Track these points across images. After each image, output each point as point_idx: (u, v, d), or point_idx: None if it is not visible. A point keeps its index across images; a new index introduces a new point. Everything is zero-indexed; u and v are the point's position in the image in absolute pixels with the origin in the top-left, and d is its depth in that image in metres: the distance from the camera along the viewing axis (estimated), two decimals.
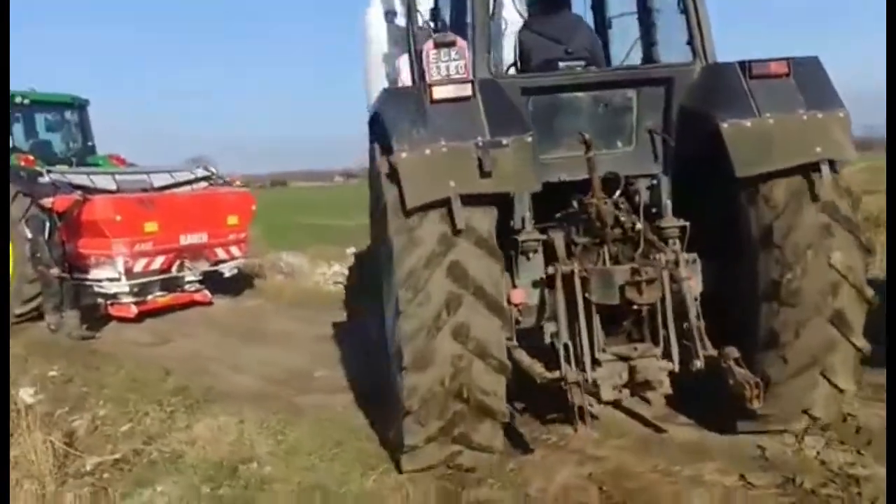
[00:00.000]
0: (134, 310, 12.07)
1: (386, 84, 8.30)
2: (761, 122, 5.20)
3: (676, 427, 6.08)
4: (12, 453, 6.32)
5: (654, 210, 5.80)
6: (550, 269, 5.39)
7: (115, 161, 14.30)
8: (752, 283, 5.38)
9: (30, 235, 10.82)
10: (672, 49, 6.30)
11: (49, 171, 11.74)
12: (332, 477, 5.39)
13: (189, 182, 13.60)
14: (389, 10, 8.67)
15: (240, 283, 14.60)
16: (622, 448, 5.78)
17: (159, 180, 13.17)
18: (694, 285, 5.40)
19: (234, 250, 13.63)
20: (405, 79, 7.01)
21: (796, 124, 5.18)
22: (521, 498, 5.02)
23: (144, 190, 12.68)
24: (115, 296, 12.07)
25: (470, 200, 4.95)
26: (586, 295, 5.25)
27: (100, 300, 12.20)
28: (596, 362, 5.17)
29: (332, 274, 16.77)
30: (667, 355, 5.20)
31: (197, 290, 13.29)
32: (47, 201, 10.93)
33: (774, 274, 5.25)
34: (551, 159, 5.75)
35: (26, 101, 13.63)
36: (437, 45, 5.54)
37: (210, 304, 13.41)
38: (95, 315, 12.09)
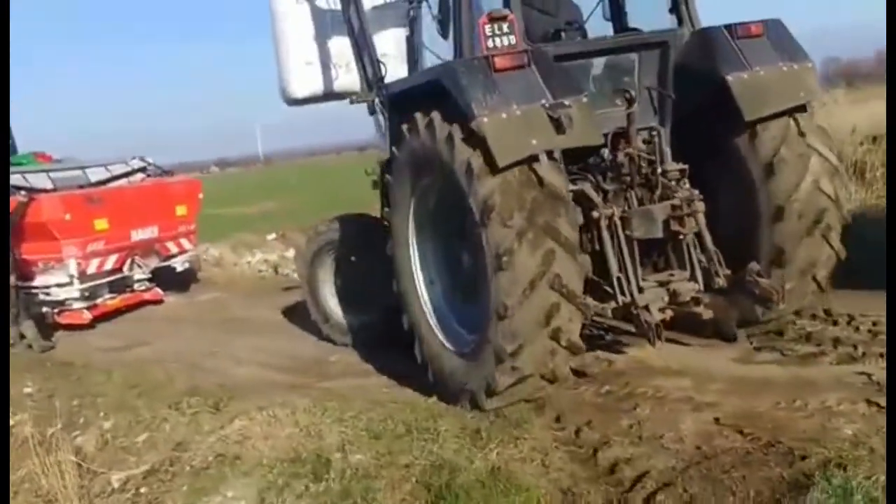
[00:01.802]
0: (87, 315, 11.35)
1: (304, 63, 8.92)
2: (754, 74, 6.15)
3: (740, 364, 6.47)
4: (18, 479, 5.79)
5: (652, 157, 6.45)
6: (595, 214, 6.02)
7: (42, 159, 13.26)
8: (755, 207, 6.32)
9: None
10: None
11: None
12: (444, 456, 5.05)
13: (126, 175, 12.78)
14: None
15: (183, 278, 13.87)
16: (724, 392, 5.81)
17: (95, 175, 12.35)
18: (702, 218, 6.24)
19: (185, 243, 12.93)
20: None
21: (780, 74, 6.18)
22: (661, 451, 4.90)
23: (81, 186, 11.87)
24: (63, 302, 11.31)
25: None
26: (627, 232, 6.04)
27: (45, 309, 11.35)
28: (640, 290, 6.00)
29: (256, 261, 16.32)
30: (693, 278, 6.15)
31: (147, 289, 12.57)
32: None
33: (776, 199, 6.22)
34: None
35: None
36: (492, 20, 5.99)
37: (161, 301, 12.73)
38: (43, 325, 11.22)
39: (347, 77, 9.19)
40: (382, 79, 7.98)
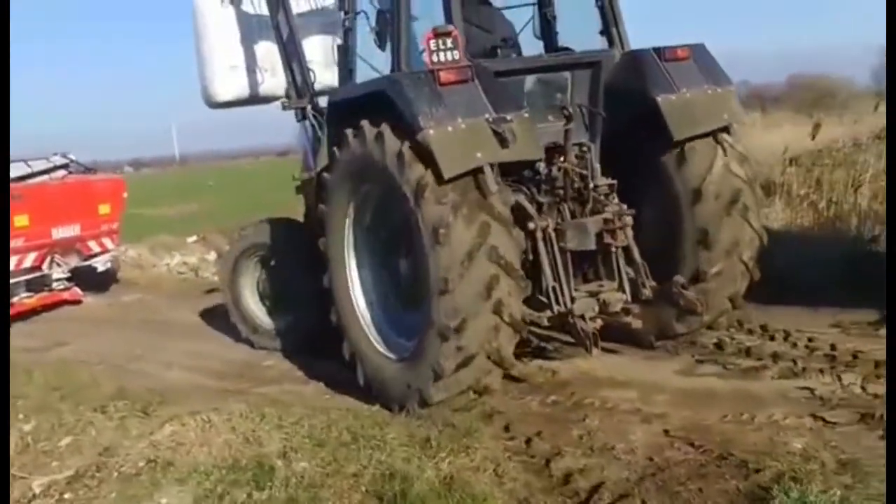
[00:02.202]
0: None
1: (228, 67, 9.03)
2: (682, 96, 6.44)
3: (684, 376, 6.60)
4: None
5: (584, 172, 6.62)
6: (531, 225, 6.14)
7: None
8: (680, 225, 6.62)
9: None
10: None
11: None
12: (394, 465, 4.94)
13: (47, 171, 12.37)
14: None
15: (104, 278, 13.42)
16: (672, 403, 5.89)
17: (15, 170, 11.86)
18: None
19: (107, 242, 12.53)
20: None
21: (705, 97, 6.49)
22: (613, 462, 4.90)
23: None
24: None
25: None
26: (561, 244, 6.20)
27: None
28: (573, 300, 6.16)
29: (176, 264, 15.94)
30: (621, 289, 6.34)
31: (66, 289, 12.15)
32: None
33: (701, 221, 6.52)
34: None
35: None
36: (437, 35, 6.11)
37: (80, 302, 12.30)
38: None
39: (272, 82, 9.27)
40: (313, 86, 8.24)
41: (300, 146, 8.85)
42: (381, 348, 6.64)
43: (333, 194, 6.81)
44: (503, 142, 5.65)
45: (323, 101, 8.15)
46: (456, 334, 5.61)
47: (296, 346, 8.44)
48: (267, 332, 8.76)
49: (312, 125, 8.25)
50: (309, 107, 8.26)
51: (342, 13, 7.58)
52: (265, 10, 9.00)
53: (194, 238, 17.53)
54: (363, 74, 7.34)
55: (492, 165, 5.72)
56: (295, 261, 8.34)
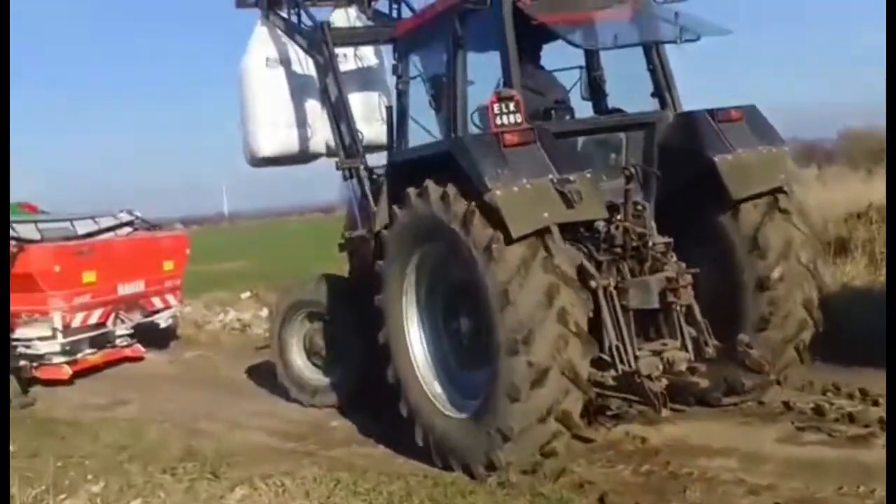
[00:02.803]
0: (67, 370, 10.95)
1: (270, 124, 9.48)
2: (737, 156, 6.54)
3: (788, 444, 6.29)
4: None
5: (642, 230, 6.61)
6: (592, 284, 6.11)
7: (27, 209, 12.89)
8: (737, 279, 6.66)
9: None
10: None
11: None
12: None
13: (113, 228, 12.50)
14: (270, 57, 9.65)
15: (165, 335, 13.41)
16: (779, 474, 5.58)
17: (83, 227, 12.08)
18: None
19: (170, 298, 12.57)
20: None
21: (760, 157, 6.60)
22: None
23: (68, 238, 11.53)
24: (43, 356, 10.85)
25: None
26: (623, 302, 6.15)
27: (24, 362, 10.84)
28: (636, 359, 6.04)
29: (230, 320, 15.89)
30: (684, 347, 6.24)
31: (128, 345, 12.18)
32: None
33: (760, 271, 6.55)
34: None
35: None
36: (500, 99, 6.25)
37: (142, 358, 12.29)
38: (20, 379, 10.69)
39: (312, 140, 9.71)
40: (362, 145, 8.60)
41: (346, 204, 9.01)
42: (440, 406, 6.63)
43: (392, 252, 6.89)
44: (568, 202, 5.74)
45: (371, 160, 8.53)
46: (525, 396, 5.60)
47: (342, 402, 8.50)
48: (314, 389, 8.80)
49: (361, 184, 8.50)
50: (361, 166, 8.49)
51: (395, 76, 7.85)
52: (309, 71, 9.48)
53: (248, 294, 17.55)
54: (414, 135, 7.62)
55: (558, 225, 5.83)
56: (341, 317, 8.50)
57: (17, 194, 13.19)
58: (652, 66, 7.24)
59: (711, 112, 6.78)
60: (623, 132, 7.05)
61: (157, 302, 12.35)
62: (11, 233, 10.77)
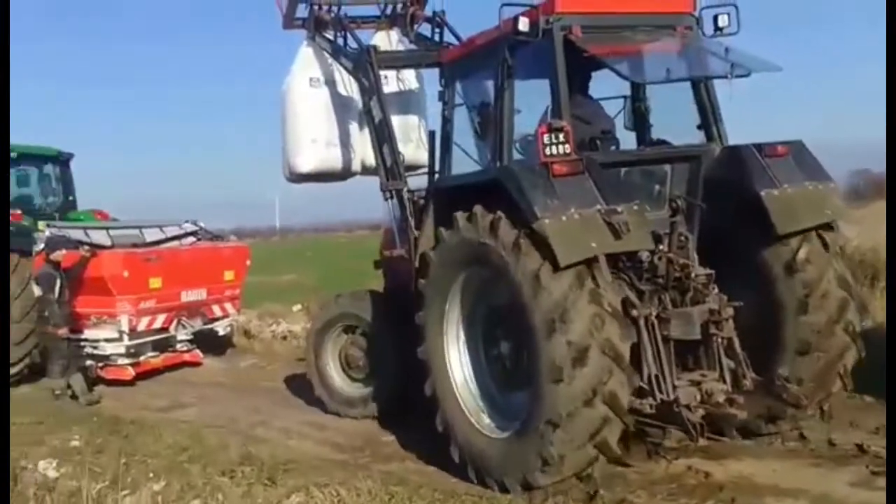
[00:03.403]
0: (131, 372, 11.46)
1: (310, 141, 9.74)
2: (784, 192, 6.58)
3: (863, 489, 6.10)
4: None
5: (685, 261, 6.67)
6: (634, 313, 6.17)
7: (99, 216, 13.52)
8: (779, 312, 6.68)
9: (40, 293, 10.01)
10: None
11: (49, 226, 11.02)
12: None
13: (178, 237, 13.02)
14: (313, 78, 9.93)
15: (222, 342, 13.87)
16: None
17: (150, 235, 12.62)
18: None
19: (229, 307, 13.05)
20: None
21: (807, 193, 6.63)
22: None
23: (136, 245, 12.06)
24: (108, 357, 11.37)
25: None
26: (664, 332, 6.21)
27: (90, 362, 11.38)
28: (674, 388, 6.14)
29: (281, 331, 16.26)
30: (722, 379, 6.32)
31: (188, 350, 12.64)
32: (57, 256, 10.14)
33: (800, 293, 6.60)
34: None
35: (13, 155, 12.73)
36: (550, 130, 6.36)
37: (200, 364, 12.76)
38: (86, 378, 11.20)
39: (349, 158, 10.07)
40: (403, 167, 8.72)
41: (388, 223, 9.25)
42: (476, 424, 6.81)
43: (436, 273, 7.06)
44: (616, 233, 5.83)
45: (412, 182, 8.74)
46: (566, 423, 5.75)
47: (375, 413, 8.90)
48: (348, 400, 9.21)
49: (402, 205, 8.65)
50: (405, 188, 8.62)
51: (441, 102, 8.01)
52: (349, 91, 9.91)
53: (299, 307, 17.96)
54: (458, 161, 7.83)
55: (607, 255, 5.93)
56: (376, 331, 8.89)
57: (86, 201, 13.89)
58: (699, 98, 7.28)
59: (758, 147, 6.81)
60: (668, 164, 7.09)
61: (217, 310, 12.82)
62: (85, 238, 11.35)
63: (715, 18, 6.92)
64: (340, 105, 10.06)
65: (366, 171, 10.11)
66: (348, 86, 10.01)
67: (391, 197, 8.80)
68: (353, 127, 10.05)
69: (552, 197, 5.95)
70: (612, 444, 5.97)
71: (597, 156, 6.71)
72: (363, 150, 9.93)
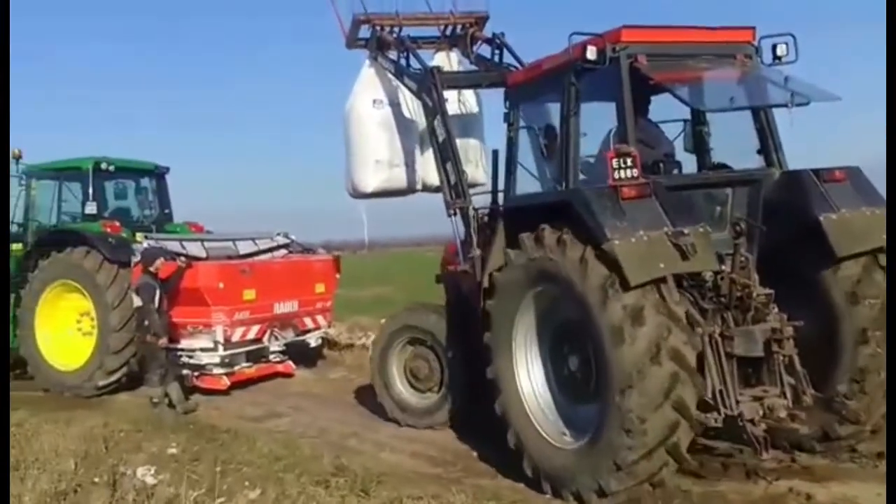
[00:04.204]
0: (226, 381, 11.61)
1: (373, 161, 10.10)
2: (841, 216, 6.83)
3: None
4: None
5: (747, 282, 6.85)
6: (699, 330, 6.40)
7: (194, 229, 13.82)
8: (837, 331, 6.91)
9: (139, 303, 10.23)
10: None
11: (147, 237, 11.31)
12: None
13: (271, 249, 13.21)
14: (376, 99, 10.27)
15: (314, 354, 13.98)
16: None
17: (244, 247, 12.83)
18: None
19: (321, 319, 13.15)
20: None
21: (864, 217, 6.88)
22: None
23: (230, 257, 12.27)
24: (204, 367, 11.56)
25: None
26: (728, 350, 6.43)
27: (186, 371, 11.60)
28: (737, 403, 6.37)
29: (370, 343, 16.32)
30: (782, 395, 6.51)
31: (280, 361, 12.76)
32: (156, 267, 10.38)
33: (859, 323, 6.83)
34: None
35: (111, 168, 13.15)
36: (618, 154, 6.63)
37: (293, 375, 12.88)
38: (182, 387, 11.42)
39: (411, 176, 10.39)
40: (466, 185, 9.06)
41: (451, 239, 9.50)
42: (548, 438, 7.04)
43: (503, 293, 7.36)
44: (683, 254, 6.07)
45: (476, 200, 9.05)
46: (638, 429, 5.98)
47: (441, 424, 9.19)
48: (413, 411, 9.45)
49: (467, 223, 8.96)
50: (470, 207, 8.92)
51: (507, 124, 8.23)
52: (411, 111, 10.27)
53: (383, 320, 18.02)
54: (521, 181, 8.11)
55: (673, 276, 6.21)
56: (440, 343, 9.17)
57: (181, 213, 14.25)
58: (759, 125, 7.49)
59: (817, 172, 7.06)
60: (730, 187, 7.31)
61: (309, 322, 12.93)
62: (180, 249, 11.61)
63: (774, 48, 7.22)
64: (402, 125, 10.37)
65: (426, 188, 10.46)
66: (410, 105, 10.35)
67: (454, 214, 9.10)
68: (415, 146, 10.38)
69: (621, 219, 6.22)
70: (682, 448, 6.17)
71: (661, 179, 6.92)
72: (424, 168, 10.29)
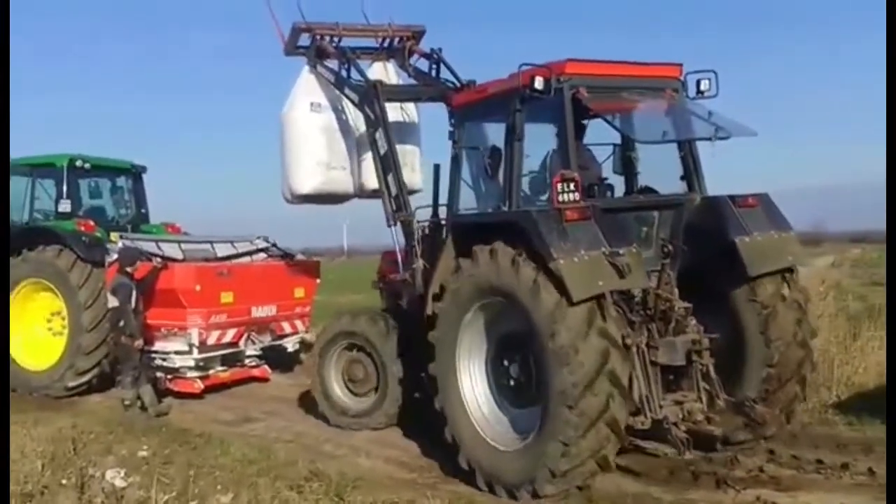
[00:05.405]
0: (199, 385, 11.42)
1: (313, 171, 10.18)
2: (754, 239, 7.59)
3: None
4: None
5: (670, 296, 7.45)
6: (628, 341, 6.82)
7: (171, 230, 13.62)
8: (747, 342, 7.73)
9: (115, 304, 10.04)
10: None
11: (122, 237, 11.13)
12: None
13: (250, 253, 13.05)
14: (314, 102, 10.37)
15: (289, 358, 13.80)
16: None
17: (222, 250, 12.67)
18: None
19: (299, 324, 12.97)
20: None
21: (773, 240, 7.67)
22: None
23: (207, 259, 12.10)
24: (178, 370, 11.37)
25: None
26: (652, 358, 7.06)
27: (159, 373, 11.40)
28: (660, 407, 6.98)
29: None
30: (699, 399, 7.19)
31: (256, 366, 12.63)
32: (132, 267, 10.20)
33: (768, 346, 7.66)
34: None
35: (87, 166, 12.93)
36: (563, 179, 7.10)
37: (268, 380, 12.74)
38: (155, 389, 11.21)
39: (347, 181, 10.48)
40: (407, 196, 9.42)
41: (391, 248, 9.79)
42: (486, 437, 7.44)
43: (453, 299, 7.67)
44: (620, 272, 6.58)
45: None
46: (574, 442, 6.47)
47: (376, 425, 9.42)
48: (349, 412, 9.66)
49: (408, 233, 9.30)
50: (414, 220, 9.26)
51: (451, 142, 8.53)
52: (348, 116, 10.43)
53: None
54: (465, 197, 8.46)
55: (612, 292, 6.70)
56: (375, 348, 9.42)
57: (159, 215, 14.04)
58: (683, 153, 8.08)
59: (732, 198, 7.78)
60: (656, 210, 7.95)
61: (287, 326, 12.74)
62: (157, 250, 11.43)
63: (698, 83, 7.86)
64: (341, 129, 10.48)
65: (364, 193, 10.53)
66: (349, 111, 10.45)
67: (394, 223, 9.45)
68: (354, 150, 10.46)
69: (565, 240, 6.69)
70: (610, 459, 6.72)
71: (597, 202, 7.46)
72: (361, 174, 10.37)
